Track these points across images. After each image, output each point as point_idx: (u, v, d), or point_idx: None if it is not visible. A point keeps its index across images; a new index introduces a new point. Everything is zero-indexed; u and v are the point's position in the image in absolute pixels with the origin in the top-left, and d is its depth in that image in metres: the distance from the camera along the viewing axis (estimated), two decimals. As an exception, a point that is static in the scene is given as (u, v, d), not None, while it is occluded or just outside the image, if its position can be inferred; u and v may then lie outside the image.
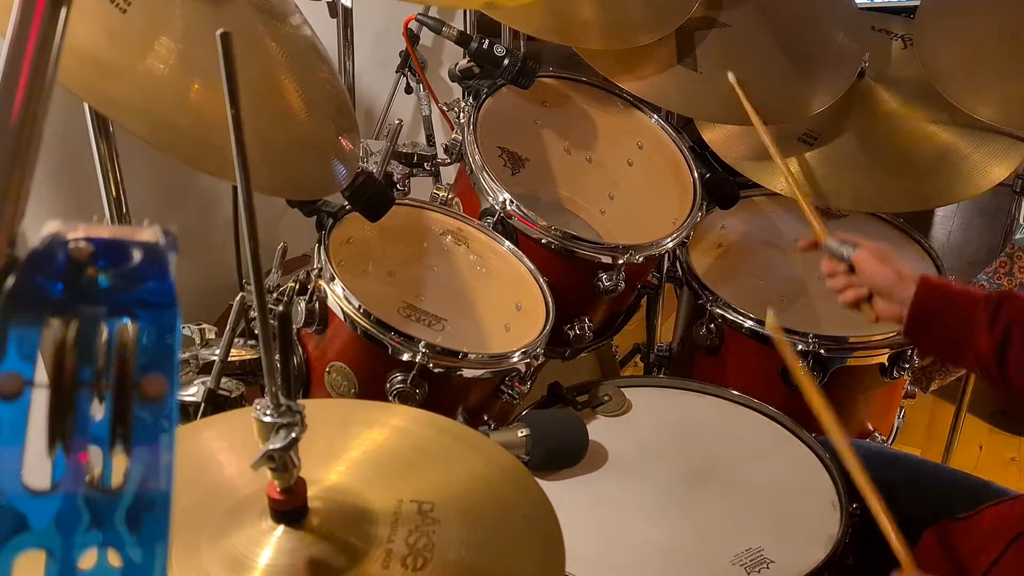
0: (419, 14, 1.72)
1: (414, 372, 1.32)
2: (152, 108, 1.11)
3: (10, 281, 0.44)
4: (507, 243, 1.55)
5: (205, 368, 1.45)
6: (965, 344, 1.24)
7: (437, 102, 2.04)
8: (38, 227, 0.45)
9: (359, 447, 0.88)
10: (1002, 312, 1.22)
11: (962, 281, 1.39)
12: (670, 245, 1.61)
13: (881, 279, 1.32)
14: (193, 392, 1.38)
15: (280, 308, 1.35)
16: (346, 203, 1.37)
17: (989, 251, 2.91)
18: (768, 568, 1.18)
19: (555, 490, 1.17)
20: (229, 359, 1.40)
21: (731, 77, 1.66)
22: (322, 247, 1.38)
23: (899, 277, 1.31)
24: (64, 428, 0.44)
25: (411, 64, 2.13)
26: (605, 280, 1.55)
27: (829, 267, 1.39)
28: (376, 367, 1.35)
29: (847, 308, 1.38)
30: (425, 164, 1.82)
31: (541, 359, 1.46)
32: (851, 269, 1.36)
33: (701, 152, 1.76)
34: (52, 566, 0.43)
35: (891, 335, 1.62)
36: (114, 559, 0.44)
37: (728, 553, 1.21)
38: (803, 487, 1.34)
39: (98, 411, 0.44)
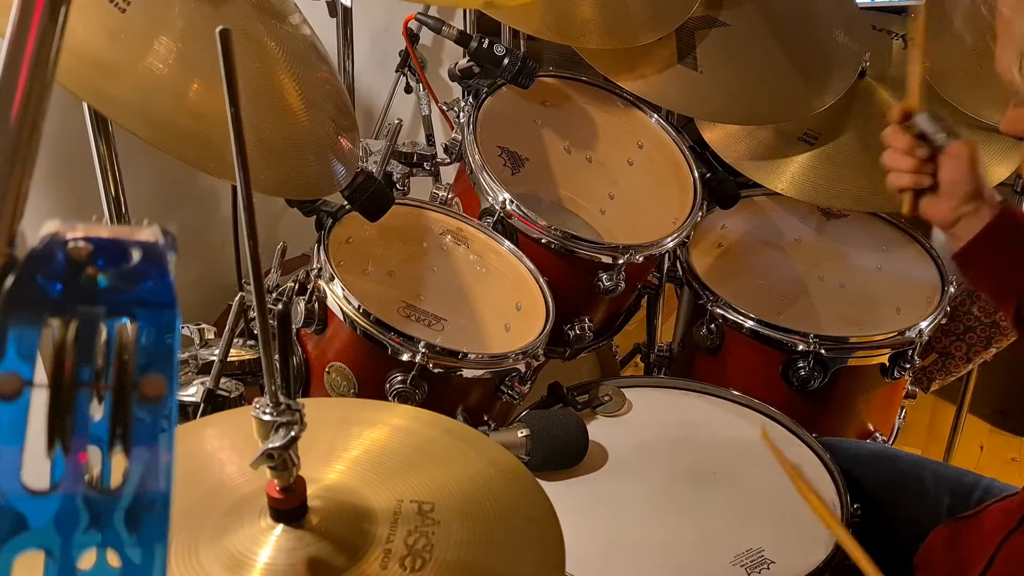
0: (419, 13, 1.72)
1: (414, 372, 1.32)
2: (151, 108, 1.11)
3: (9, 281, 0.43)
4: (507, 243, 1.55)
5: (204, 368, 1.44)
6: (1015, 290, 1.18)
7: (437, 102, 2.03)
8: (37, 227, 0.45)
9: (359, 447, 0.87)
10: None
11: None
12: (670, 245, 1.61)
13: (965, 181, 1.18)
14: (192, 392, 1.38)
15: (280, 308, 1.35)
16: (345, 203, 1.37)
17: (989, 251, 2.91)
18: (768, 568, 1.18)
19: (555, 490, 1.17)
20: (228, 359, 1.40)
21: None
22: (321, 247, 1.38)
23: (979, 187, 1.18)
24: (63, 428, 0.44)
25: (411, 63, 2.12)
26: (605, 280, 1.55)
27: (901, 139, 1.22)
28: (376, 367, 1.35)
29: (893, 188, 1.24)
30: (425, 164, 1.82)
31: (541, 359, 1.46)
32: (931, 158, 1.21)
33: (701, 152, 1.75)
34: (51, 566, 0.43)
35: (892, 335, 1.62)
36: (113, 559, 0.43)
37: (728, 553, 1.20)
38: (803, 487, 1.34)
39: (97, 411, 0.44)
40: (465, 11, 2.30)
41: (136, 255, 0.44)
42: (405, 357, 1.32)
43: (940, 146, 1.21)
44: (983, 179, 1.20)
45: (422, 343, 1.32)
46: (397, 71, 2.21)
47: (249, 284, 0.91)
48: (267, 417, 0.70)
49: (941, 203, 1.21)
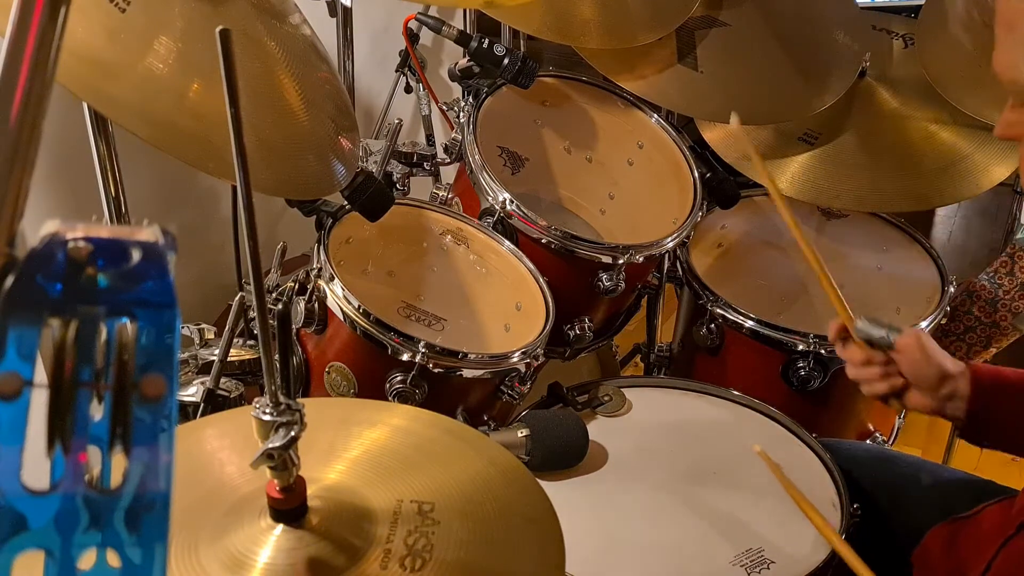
0: (419, 13, 1.72)
1: (414, 372, 1.32)
2: (151, 108, 1.11)
3: (9, 281, 0.43)
4: (507, 243, 1.55)
5: (204, 368, 1.44)
6: None
7: (437, 101, 2.04)
8: (37, 227, 0.45)
9: (359, 447, 0.87)
10: None
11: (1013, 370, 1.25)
12: (670, 245, 1.61)
13: (927, 372, 1.19)
14: (192, 392, 1.38)
15: (280, 308, 1.35)
16: (345, 203, 1.37)
17: (990, 251, 2.91)
18: (768, 568, 1.18)
19: (555, 490, 1.17)
20: (228, 359, 1.40)
21: (734, 120, 1.40)
22: (321, 247, 1.38)
23: (943, 371, 1.18)
24: (63, 428, 0.44)
25: (411, 63, 2.13)
26: (605, 280, 1.55)
27: (859, 355, 1.23)
28: (376, 367, 1.35)
29: (874, 398, 1.25)
30: (425, 164, 1.82)
31: (541, 359, 1.46)
32: (889, 359, 1.22)
33: (701, 152, 1.75)
34: (51, 566, 0.43)
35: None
36: (113, 559, 0.43)
37: (728, 553, 1.20)
38: (803, 487, 1.33)
39: (97, 411, 0.44)
40: (465, 11, 2.30)
41: (136, 255, 0.44)
42: (405, 357, 1.32)
43: (890, 345, 1.21)
44: (943, 357, 1.20)
45: (422, 343, 1.32)
46: (397, 71, 2.21)
47: (249, 284, 0.91)
48: (267, 417, 0.70)
49: (921, 397, 1.21)
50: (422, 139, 2.22)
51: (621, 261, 1.54)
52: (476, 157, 1.57)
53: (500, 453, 0.90)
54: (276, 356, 0.70)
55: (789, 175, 1.77)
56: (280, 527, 0.75)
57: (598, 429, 1.41)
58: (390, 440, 0.89)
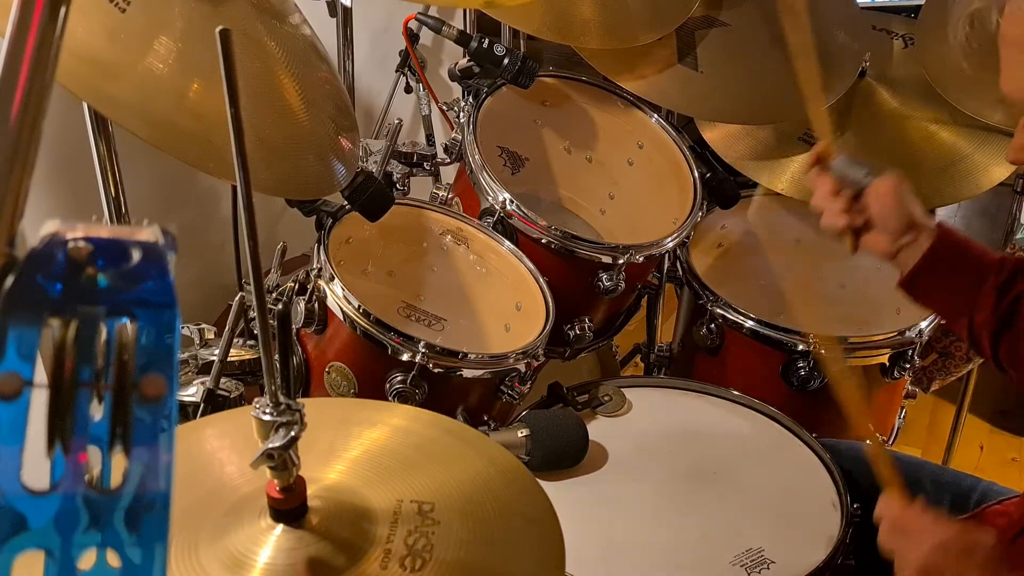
0: (419, 13, 1.72)
1: (414, 372, 1.32)
2: (151, 108, 1.11)
3: (9, 281, 0.43)
4: (507, 243, 1.55)
5: (204, 368, 1.44)
6: (965, 310, 1.17)
7: (437, 101, 2.04)
8: (37, 227, 0.45)
9: (359, 447, 0.87)
10: (1013, 287, 1.14)
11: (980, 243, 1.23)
12: (670, 245, 1.61)
13: (896, 216, 1.17)
14: (192, 392, 1.38)
15: (280, 308, 1.35)
16: (345, 203, 1.37)
17: (989, 251, 2.91)
18: (768, 568, 1.18)
19: (555, 490, 1.17)
20: (228, 359, 1.40)
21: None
22: (321, 247, 1.38)
23: (911, 219, 1.17)
24: (63, 428, 0.44)
25: (411, 63, 2.13)
26: (605, 280, 1.55)
27: (829, 184, 1.20)
28: (376, 367, 1.35)
29: (829, 231, 1.21)
30: (425, 164, 1.82)
31: (541, 359, 1.46)
32: (856, 196, 1.19)
33: (701, 152, 1.75)
34: (51, 566, 0.43)
35: (892, 335, 1.62)
36: (113, 559, 0.43)
37: (728, 554, 1.20)
38: (803, 487, 1.34)
39: (97, 411, 0.44)
40: (465, 11, 2.30)
41: (136, 255, 0.44)
42: (405, 357, 1.32)
43: (864, 186, 1.19)
44: (915, 208, 1.19)
45: (422, 343, 1.32)
46: (397, 71, 2.21)
47: (249, 284, 0.91)
48: (267, 417, 0.70)
49: (879, 239, 1.19)
50: (422, 139, 2.22)
51: (621, 261, 1.54)
52: (476, 157, 1.57)
53: (500, 453, 0.90)
54: (276, 356, 0.70)
55: (789, 175, 1.77)
56: (280, 527, 0.75)
57: (598, 429, 1.41)
58: (390, 440, 0.89)
